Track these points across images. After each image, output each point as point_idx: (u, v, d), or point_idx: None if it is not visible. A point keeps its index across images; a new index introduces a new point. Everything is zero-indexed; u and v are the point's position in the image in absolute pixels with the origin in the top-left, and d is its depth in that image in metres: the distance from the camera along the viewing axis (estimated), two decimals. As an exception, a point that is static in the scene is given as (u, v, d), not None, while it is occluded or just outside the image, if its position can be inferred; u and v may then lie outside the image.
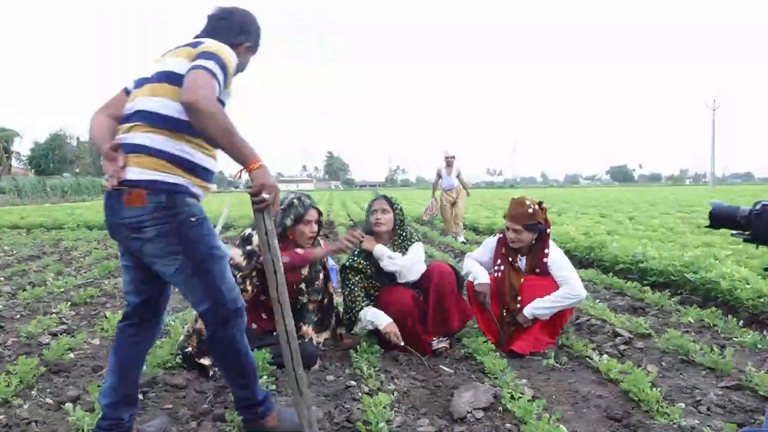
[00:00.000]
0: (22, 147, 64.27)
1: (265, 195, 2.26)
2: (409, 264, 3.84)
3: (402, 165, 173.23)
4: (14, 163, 61.66)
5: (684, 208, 18.45)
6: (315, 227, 3.79)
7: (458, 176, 11.20)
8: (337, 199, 37.37)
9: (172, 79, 2.29)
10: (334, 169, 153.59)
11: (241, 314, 2.46)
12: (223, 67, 2.27)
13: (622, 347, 3.89)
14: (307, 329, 3.77)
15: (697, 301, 5.14)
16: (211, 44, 2.34)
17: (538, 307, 3.79)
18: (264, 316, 3.74)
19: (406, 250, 3.94)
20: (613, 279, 6.11)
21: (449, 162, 11.11)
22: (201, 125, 2.15)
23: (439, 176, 11.25)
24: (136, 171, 2.24)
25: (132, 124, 2.31)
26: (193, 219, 2.29)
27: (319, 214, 3.83)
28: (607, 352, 3.75)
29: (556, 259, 3.93)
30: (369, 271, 3.92)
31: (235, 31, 2.53)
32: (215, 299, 2.35)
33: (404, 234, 3.98)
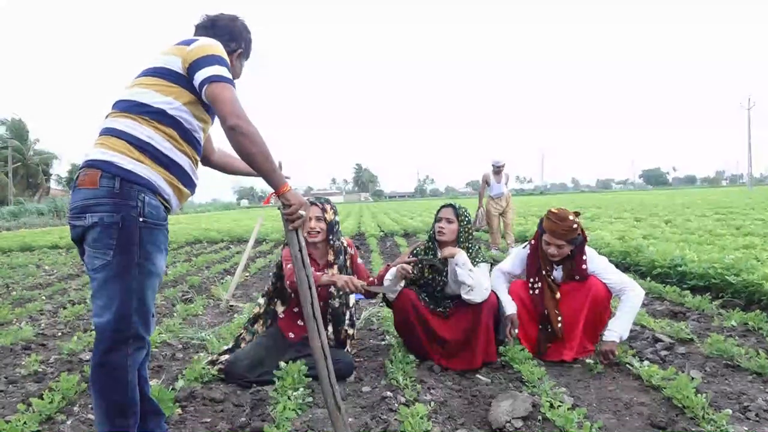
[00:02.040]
0: (61, 169, 66.08)
1: (302, 212, 2.31)
2: (484, 284, 3.65)
3: (431, 175, 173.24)
4: (53, 185, 63.41)
5: (721, 209, 17.99)
6: (314, 224, 3.72)
7: (505, 184, 10.41)
8: (367, 211, 37.48)
9: (159, 73, 2.24)
10: (363, 181, 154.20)
11: (143, 345, 2.19)
12: (228, 67, 2.26)
13: (663, 353, 3.80)
14: (348, 330, 3.85)
15: (739, 304, 5.00)
16: (206, 43, 2.27)
17: (619, 329, 3.61)
18: (300, 323, 3.79)
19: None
20: (651, 283, 5.99)
21: (498, 170, 10.27)
22: (241, 147, 2.15)
23: (486, 183, 10.42)
24: (98, 152, 2.14)
25: (107, 114, 2.27)
26: (141, 219, 2.10)
27: (324, 210, 3.78)
28: (648, 358, 3.67)
29: (603, 265, 3.82)
30: (420, 277, 3.86)
31: (225, 38, 2.45)
32: (123, 313, 2.08)
33: (471, 249, 3.82)
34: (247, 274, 8.55)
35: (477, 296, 3.62)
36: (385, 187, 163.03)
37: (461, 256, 3.68)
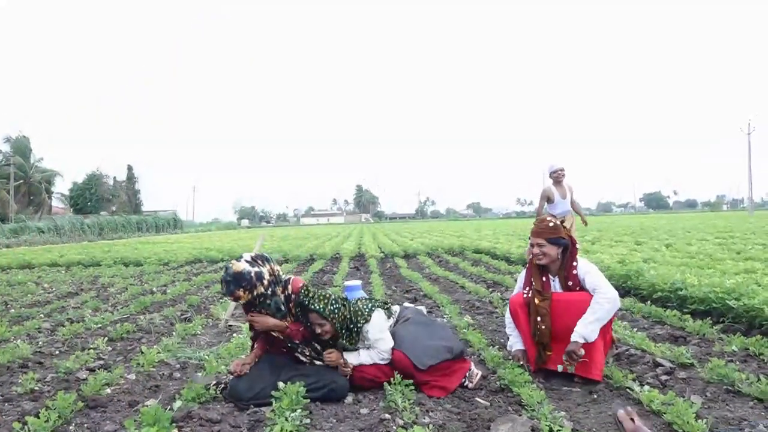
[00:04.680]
0: (62, 187, 66.34)
1: None
2: (375, 356, 3.66)
3: (431, 197, 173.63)
4: (55, 203, 63.58)
5: (722, 234, 17.98)
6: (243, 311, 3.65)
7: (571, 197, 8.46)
8: (368, 231, 37.48)
9: None
10: (364, 202, 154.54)
11: None
12: None
13: (663, 378, 3.78)
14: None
15: (740, 329, 4.98)
16: None
17: (583, 331, 3.69)
18: (284, 349, 3.78)
19: (359, 337, 3.68)
20: (651, 307, 5.97)
21: (558, 177, 8.24)
22: None
23: (548, 199, 8.38)
24: None
25: None
26: None
27: (239, 297, 3.45)
28: (648, 383, 3.65)
29: (586, 268, 3.94)
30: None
31: None
32: None
33: (353, 329, 3.64)
34: (247, 293, 8.52)
35: (385, 358, 3.66)
36: (385, 208, 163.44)
37: (349, 360, 3.64)
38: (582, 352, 3.68)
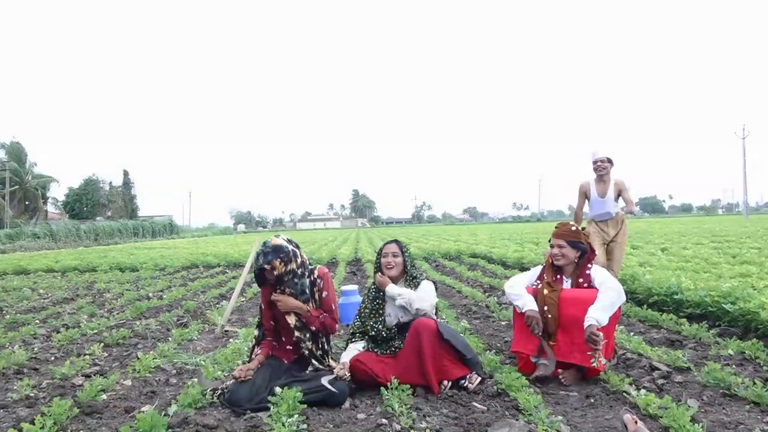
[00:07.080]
0: (58, 192, 66.18)
1: None
2: (418, 296, 3.99)
3: (428, 201, 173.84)
4: (50, 208, 63.41)
5: (718, 238, 18.03)
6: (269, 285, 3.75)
7: (620, 196, 6.66)
8: (364, 236, 37.48)
9: None
10: (361, 206, 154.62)
11: None
12: None
13: (660, 381, 3.78)
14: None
15: (736, 332, 4.99)
16: None
17: (594, 314, 3.72)
18: (289, 347, 3.81)
19: (416, 288, 4.11)
20: (648, 311, 5.98)
21: (600, 169, 6.51)
22: None
23: (586, 197, 6.79)
24: None
25: None
26: None
27: (274, 267, 3.60)
28: (644, 387, 3.65)
29: (598, 270, 4.09)
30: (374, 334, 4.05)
31: None
32: None
33: (414, 274, 4.18)
34: (243, 299, 8.52)
35: (422, 305, 3.94)
36: (382, 212, 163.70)
37: (389, 289, 4.06)
38: (600, 333, 3.68)
